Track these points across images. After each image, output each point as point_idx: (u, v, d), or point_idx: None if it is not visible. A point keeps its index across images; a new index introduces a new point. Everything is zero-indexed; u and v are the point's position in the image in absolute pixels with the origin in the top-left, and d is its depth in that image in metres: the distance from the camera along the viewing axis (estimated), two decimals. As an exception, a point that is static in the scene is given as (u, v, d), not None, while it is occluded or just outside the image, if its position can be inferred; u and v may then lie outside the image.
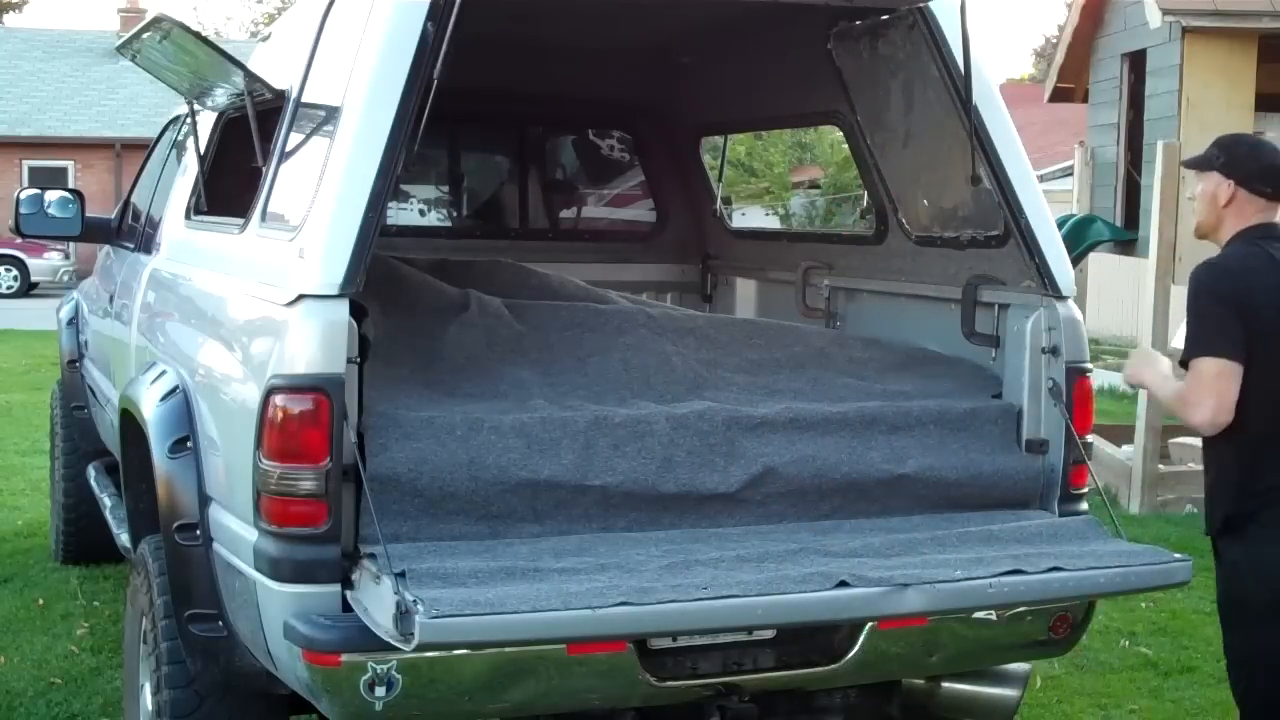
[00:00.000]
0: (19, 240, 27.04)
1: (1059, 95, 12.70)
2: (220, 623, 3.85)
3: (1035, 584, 3.59)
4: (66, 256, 30.74)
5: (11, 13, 49.98)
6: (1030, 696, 5.04)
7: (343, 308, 3.48)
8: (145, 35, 4.30)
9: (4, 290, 29.94)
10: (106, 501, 5.98)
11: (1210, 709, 5.88)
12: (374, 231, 3.53)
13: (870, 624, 3.59)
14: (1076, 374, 4.11)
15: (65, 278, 29.59)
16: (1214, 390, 3.87)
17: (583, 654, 3.39)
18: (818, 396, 4.22)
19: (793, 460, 3.89)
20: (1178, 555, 3.76)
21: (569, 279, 5.32)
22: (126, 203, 6.78)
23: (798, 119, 7.76)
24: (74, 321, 7.25)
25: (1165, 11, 9.91)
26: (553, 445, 3.71)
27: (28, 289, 30.15)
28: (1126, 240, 10.83)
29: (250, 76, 4.24)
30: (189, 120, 5.20)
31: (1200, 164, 4.18)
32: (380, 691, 3.29)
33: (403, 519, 3.54)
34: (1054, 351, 4.11)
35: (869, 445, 3.98)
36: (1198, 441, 11.49)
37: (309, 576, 3.43)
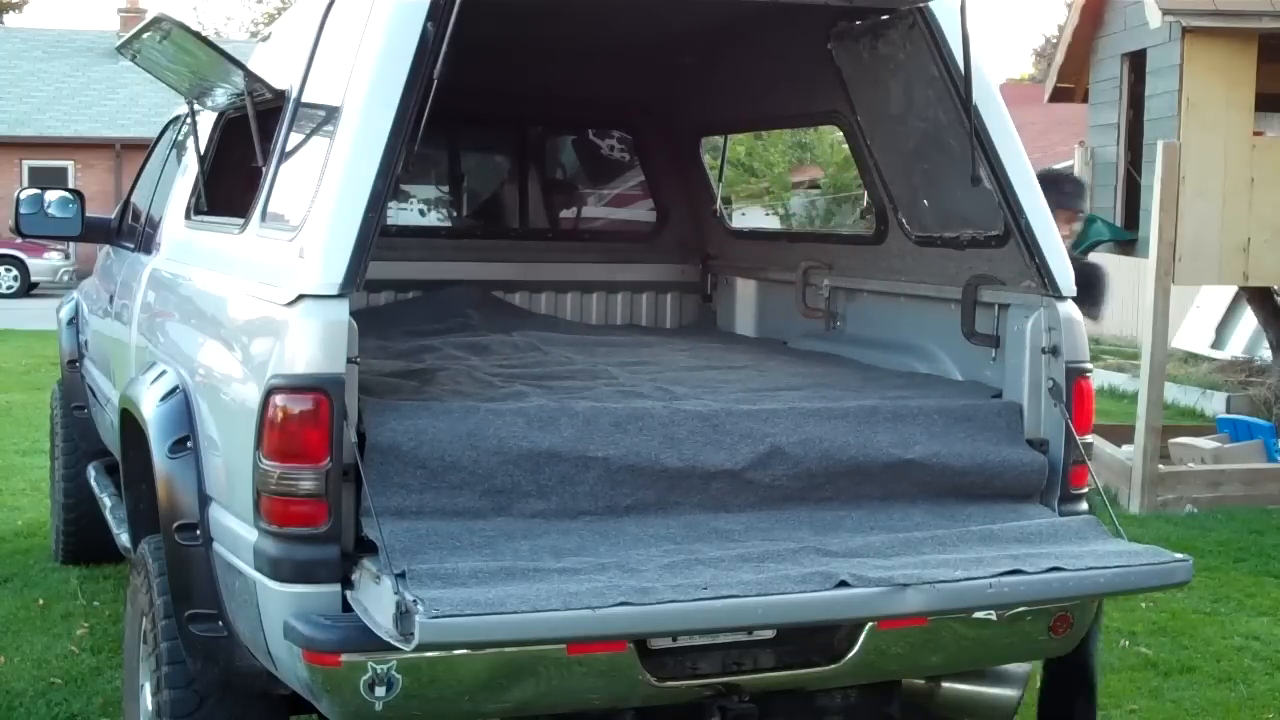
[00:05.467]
0: (19, 240, 27.05)
1: (1059, 95, 12.70)
2: (220, 623, 3.85)
3: (1035, 584, 3.59)
4: (66, 256, 30.75)
5: (11, 13, 49.97)
6: (1030, 696, 5.03)
7: (343, 307, 3.48)
8: (145, 35, 4.30)
9: (4, 290, 29.96)
10: (106, 501, 5.98)
11: (1210, 709, 5.89)
12: (374, 231, 3.54)
13: (870, 624, 3.59)
14: (1076, 374, 4.11)
15: (65, 278, 29.61)
16: None
17: (583, 654, 3.39)
18: (819, 400, 4.23)
19: (800, 441, 3.89)
20: (1178, 555, 3.76)
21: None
22: (126, 203, 6.78)
23: (798, 119, 7.77)
24: (74, 321, 7.25)
25: (1165, 11, 9.90)
26: (552, 422, 3.73)
27: (28, 289, 30.16)
28: (1126, 240, 10.83)
29: (250, 76, 4.24)
30: (189, 120, 5.21)
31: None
32: (380, 691, 3.30)
33: (406, 491, 3.54)
34: (1054, 351, 4.12)
35: (876, 430, 3.98)
36: (1198, 442, 11.56)
37: (309, 576, 3.43)
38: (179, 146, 5.96)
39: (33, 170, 33.28)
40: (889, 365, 4.87)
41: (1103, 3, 11.41)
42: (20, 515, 8.91)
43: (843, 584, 3.42)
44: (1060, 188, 5.63)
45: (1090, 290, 5.34)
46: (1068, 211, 5.60)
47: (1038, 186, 4.29)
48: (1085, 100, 12.12)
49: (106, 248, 6.93)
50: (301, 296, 3.51)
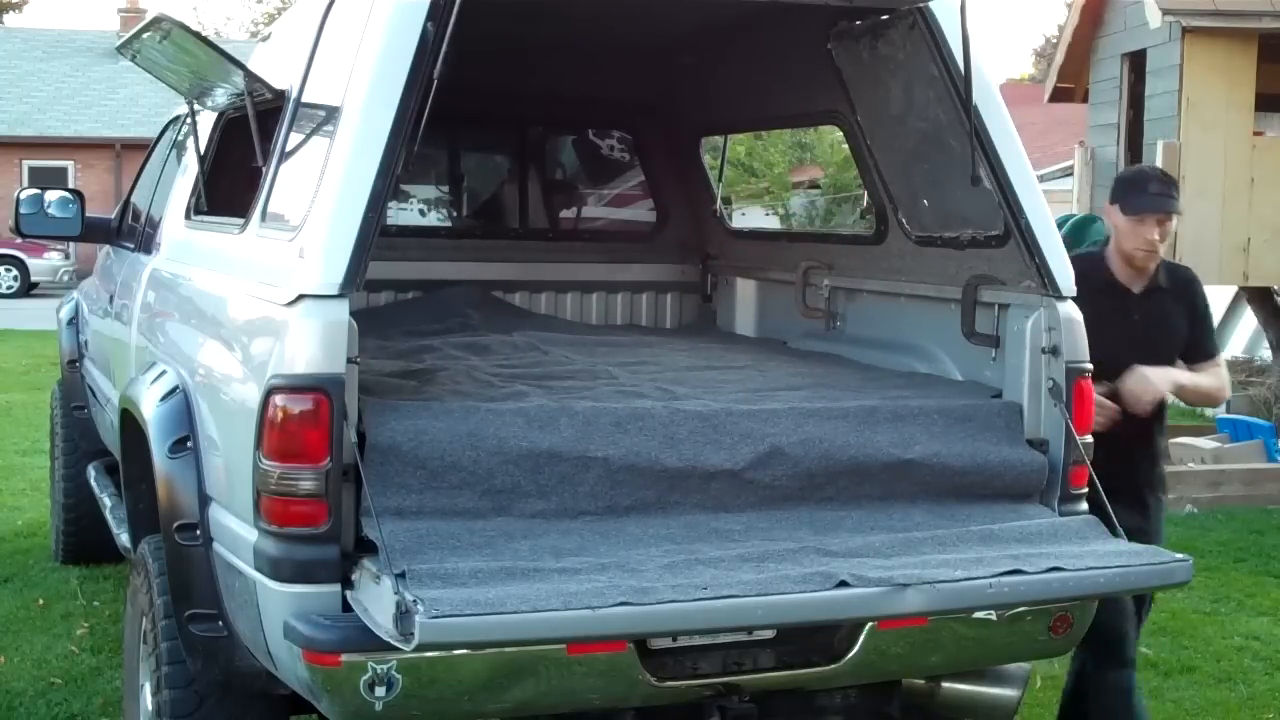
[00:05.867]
0: (19, 240, 27.04)
1: (1059, 95, 12.71)
2: (220, 623, 3.85)
3: (1035, 584, 3.59)
4: (66, 256, 30.74)
5: (11, 13, 49.97)
6: (1030, 696, 5.03)
7: (343, 307, 3.48)
8: (145, 35, 4.31)
9: (4, 290, 29.96)
10: (106, 501, 5.98)
11: (1210, 709, 5.89)
12: (374, 231, 3.54)
13: (870, 624, 3.59)
14: (1076, 374, 4.11)
15: (65, 278, 29.61)
16: None
17: (583, 654, 3.39)
18: (819, 400, 4.23)
19: (800, 441, 3.89)
20: (1178, 555, 3.76)
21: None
22: (126, 203, 6.78)
23: (798, 119, 7.76)
24: (74, 321, 7.25)
25: (1165, 11, 9.91)
26: (552, 422, 3.73)
27: (28, 289, 30.16)
28: (1127, 240, 10.83)
29: (250, 76, 4.24)
30: (189, 120, 5.21)
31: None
32: (380, 691, 3.29)
33: (406, 491, 3.53)
34: (1054, 351, 4.12)
35: (876, 430, 3.98)
36: (1198, 442, 11.53)
37: (309, 576, 3.43)
38: (179, 146, 5.96)
39: (33, 170, 33.27)
40: (889, 365, 4.87)
41: (1103, 3, 11.41)
42: (20, 515, 8.91)
43: (843, 584, 3.42)
44: (1145, 188, 4.71)
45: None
46: (1159, 214, 4.66)
47: (1038, 186, 4.29)
48: (1085, 100, 12.13)
49: (106, 248, 6.93)
50: (301, 296, 3.51)
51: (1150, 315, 4.80)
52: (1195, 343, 4.90)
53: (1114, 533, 3.94)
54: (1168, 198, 4.70)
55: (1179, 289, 4.91)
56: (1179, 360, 4.87)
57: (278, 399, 3.45)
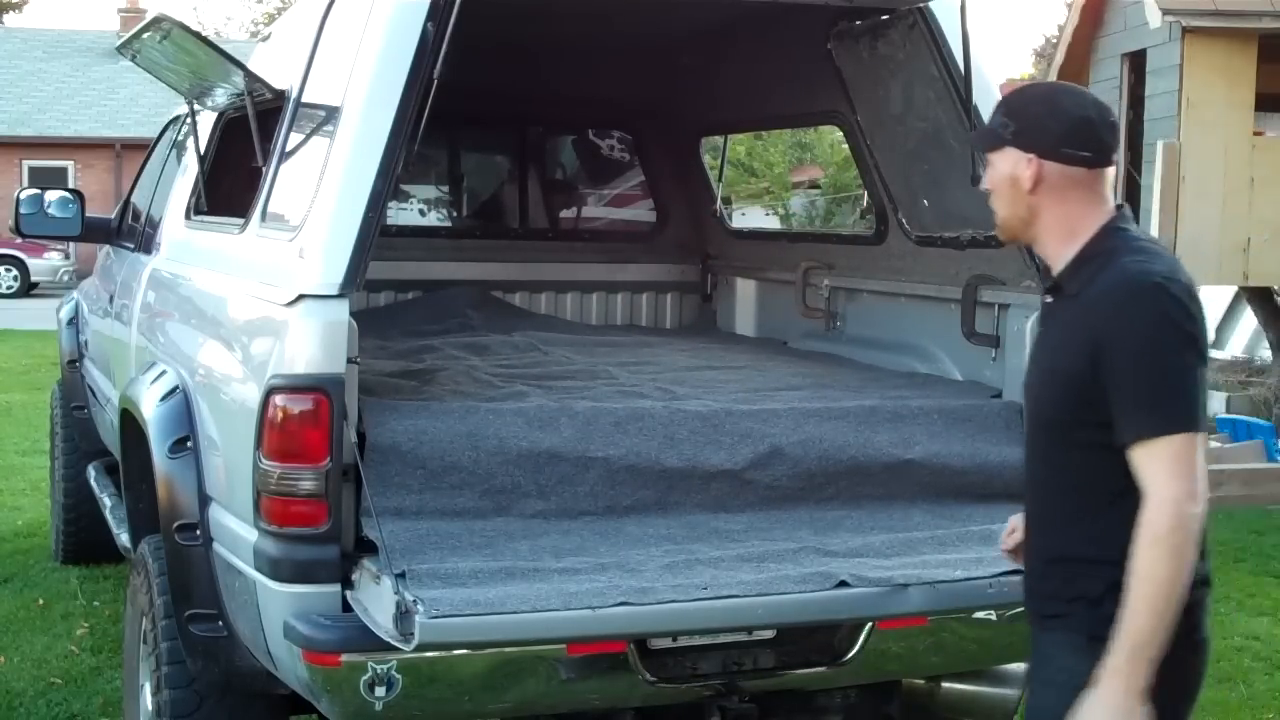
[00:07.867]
0: (19, 240, 27.04)
1: (1059, 95, 12.71)
2: (220, 623, 3.85)
3: (1035, 584, 3.58)
4: (66, 256, 30.74)
5: (11, 13, 49.94)
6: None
7: (343, 307, 3.48)
8: (145, 35, 4.31)
9: (4, 290, 29.95)
10: (106, 501, 5.98)
11: (1210, 709, 5.88)
12: (374, 231, 3.54)
13: (870, 624, 3.59)
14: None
15: (65, 278, 29.60)
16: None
17: (583, 654, 3.39)
18: (819, 400, 4.24)
19: (800, 441, 3.89)
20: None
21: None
22: (126, 203, 6.79)
23: (798, 119, 7.77)
24: (74, 321, 7.25)
25: (1165, 11, 9.92)
26: (552, 422, 3.73)
27: (28, 289, 30.15)
28: (1126, 240, 10.84)
29: (250, 76, 4.24)
30: (189, 120, 5.21)
31: (988, 140, 2.94)
32: (380, 691, 3.29)
33: (405, 492, 3.54)
34: (1054, 351, 4.11)
35: (876, 430, 3.99)
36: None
37: (309, 576, 3.42)
38: (179, 146, 5.96)
39: (33, 170, 33.26)
40: (889, 365, 4.87)
41: (1103, 3, 11.42)
42: (20, 515, 8.90)
43: (843, 584, 3.42)
44: None
45: None
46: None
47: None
48: (1085, 100, 12.12)
49: (106, 248, 6.93)
50: (301, 296, 3.51)
51: (1046, 334, 2.96)
52: (1117, 407, 2.66)
53: None
54: (982, 129, 3.16)
55: (1091, 304, 2.73)
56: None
57: (278, 399, 3.45)
